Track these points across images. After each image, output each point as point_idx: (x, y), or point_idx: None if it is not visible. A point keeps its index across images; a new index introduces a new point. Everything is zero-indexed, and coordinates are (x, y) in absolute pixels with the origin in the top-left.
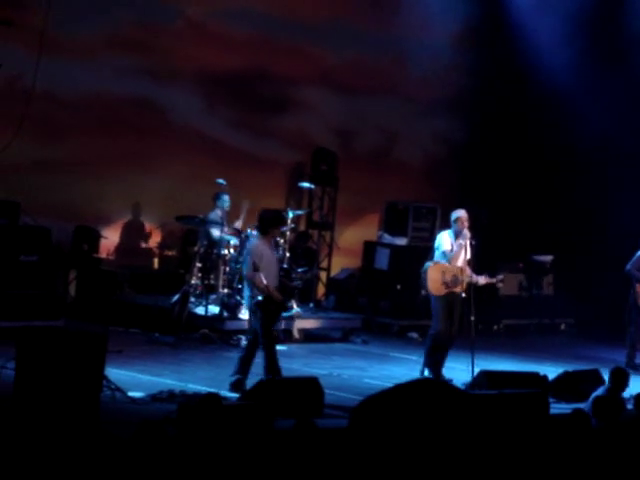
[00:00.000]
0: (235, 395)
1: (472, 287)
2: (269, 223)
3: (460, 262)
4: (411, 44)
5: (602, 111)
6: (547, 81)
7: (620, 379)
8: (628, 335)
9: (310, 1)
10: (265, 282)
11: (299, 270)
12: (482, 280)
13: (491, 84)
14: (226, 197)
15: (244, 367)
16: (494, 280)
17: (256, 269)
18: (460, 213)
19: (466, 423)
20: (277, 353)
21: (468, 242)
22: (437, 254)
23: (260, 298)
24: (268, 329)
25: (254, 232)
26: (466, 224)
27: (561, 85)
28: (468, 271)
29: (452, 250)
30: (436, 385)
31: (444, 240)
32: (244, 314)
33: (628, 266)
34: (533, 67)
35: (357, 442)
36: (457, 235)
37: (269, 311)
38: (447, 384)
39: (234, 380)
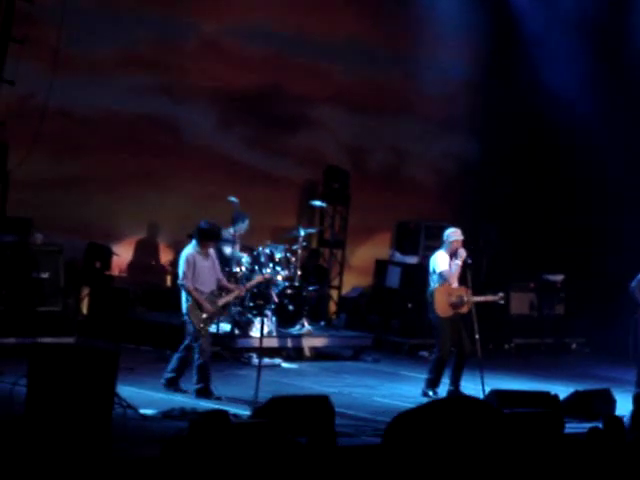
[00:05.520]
0: (239, 411)
1: (474, 306)
2: (204, 236)
3: (456, 281)
4: (424, 63)
5: (618, 130)
6: (561, 98)
7: None
8: (637, 355)
9: (324, 20)
10: (191, 286)
11: (310, 288)
12: (478, 298)
13: (502, 102)
14: (247, 222)
15: (181, 368)
16: (496, 298)
17: (185, 276)
18: (456, 234)
19: (499, 441)
20: (209, 360)
21: (462, 261)
22: (434, 276)
23: (190, 303)
24: (197, 334)
25: (263, 248)
26: (461, 243)
27: (575, 103)
28: (470, 292)
29: (451, 269)
30: (471, 402)
31: (441, 260)
32: (255, 332)
33: (633, 283)
34: (545, 85)
35: (390, 459)
36: (452, 255)
37: (198, 317)
38: (482, 402)
39: (169, 377)
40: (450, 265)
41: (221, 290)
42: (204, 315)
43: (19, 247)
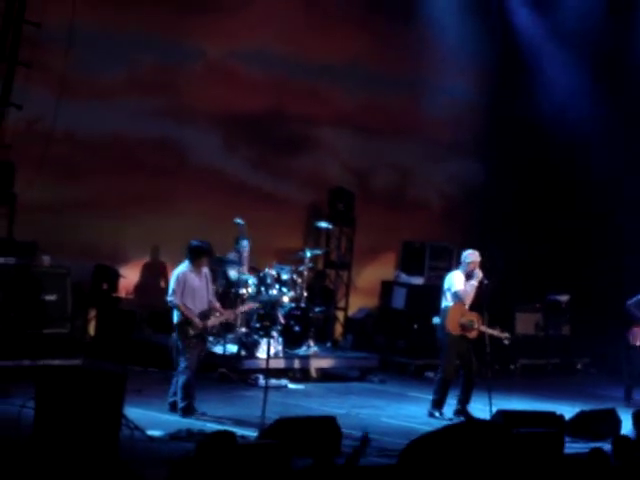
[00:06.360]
0: (246, 432)
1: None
2: (195, 253)
3: (469, 303)
4: (427, 86)
5: (620, 151)
6: (564, 123)
7: None
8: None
9: (327, 44)
10: (179, 302)
11: (316, 309)
12: (487, 329)
13: (507, 125)
14: (245, 243)
15: (190, 391)
16: (502, 335)
17: (174, 293)
18: (474, 255)
19: (511, 462)
20: (193, 377)
21: (479, 282)
22: (448, 295)
23: (180, 320)
24: (185, 351)
25: (269, 270)
26: (478, 264)
27: (578, 127)
28: (481, 320)
29: (466, 290)
30: (485, 427)
31: (457, 280)
32: (262, 353)
33: (630, 302)
34: (550, 106)
35: None
36: (468, 276)
37: (186, 334)
38: (494, 424)
39: (172, 401)
40: (465, 285)
41: (212, 311)
42: (192, 332)
43: (26, 270)
